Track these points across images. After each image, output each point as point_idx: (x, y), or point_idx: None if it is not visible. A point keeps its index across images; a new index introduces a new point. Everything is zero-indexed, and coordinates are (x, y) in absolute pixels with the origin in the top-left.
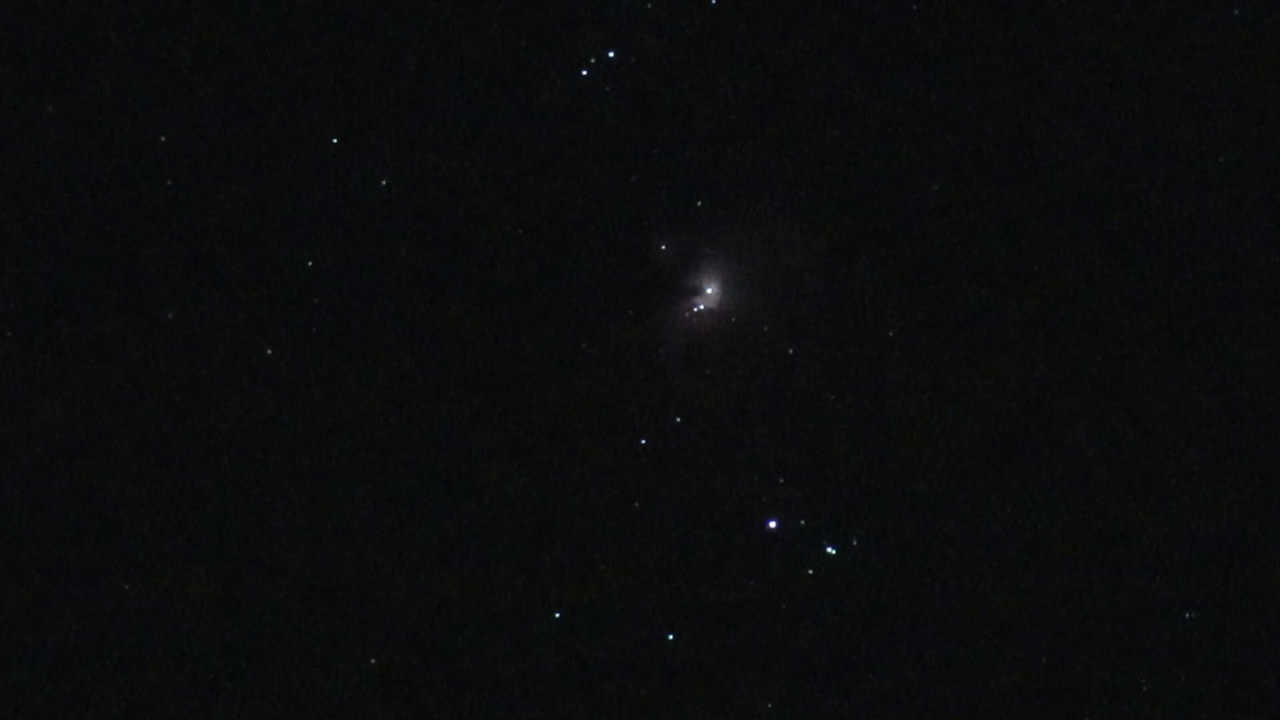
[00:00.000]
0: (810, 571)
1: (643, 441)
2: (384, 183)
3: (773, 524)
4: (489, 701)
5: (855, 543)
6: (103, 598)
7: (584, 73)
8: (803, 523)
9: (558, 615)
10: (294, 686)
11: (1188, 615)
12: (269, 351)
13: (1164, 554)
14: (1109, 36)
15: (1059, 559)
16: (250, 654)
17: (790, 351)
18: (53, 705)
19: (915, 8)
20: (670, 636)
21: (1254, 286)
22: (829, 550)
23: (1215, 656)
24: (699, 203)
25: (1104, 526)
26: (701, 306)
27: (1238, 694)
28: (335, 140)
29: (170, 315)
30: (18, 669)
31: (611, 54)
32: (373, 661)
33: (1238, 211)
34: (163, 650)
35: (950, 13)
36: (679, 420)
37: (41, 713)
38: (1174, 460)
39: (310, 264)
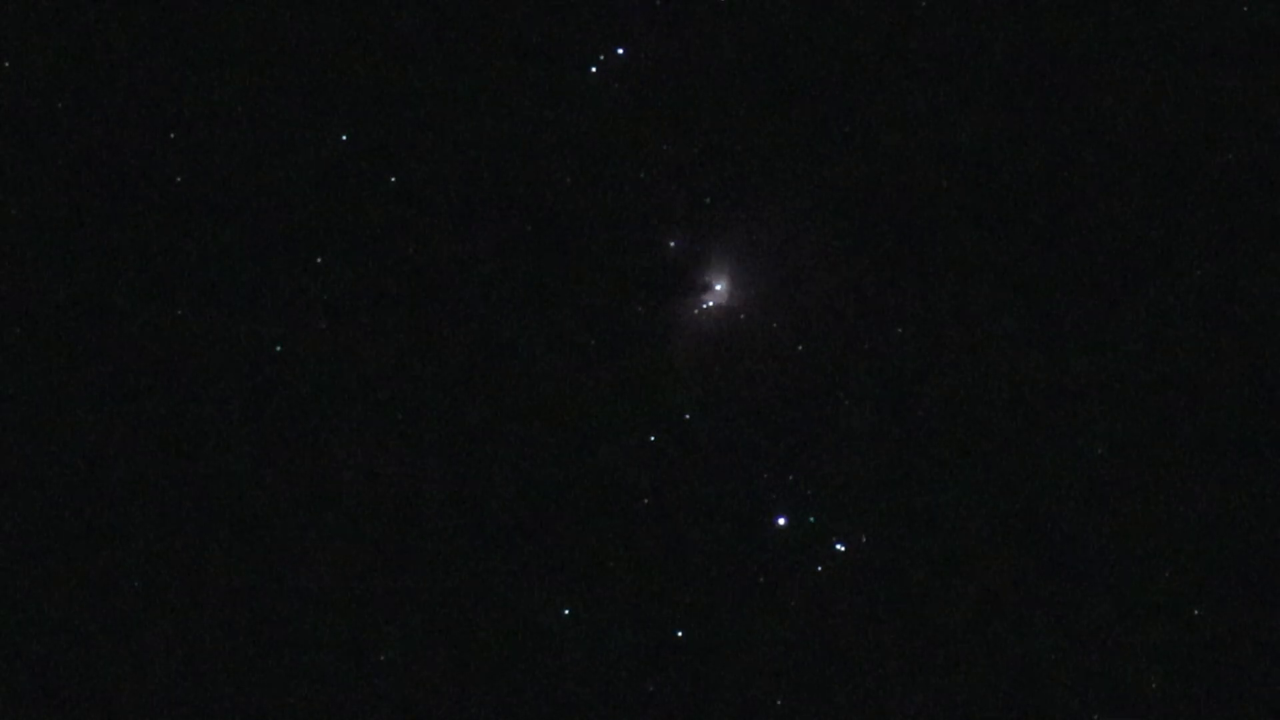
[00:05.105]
0: (820, 569)
1: (652, 438)
2: (393, 179)
3: (782, 521)
4: (497, 699)
5: (865, 540)
6: (108, 597)
7: (593, 70)
8: (812, 520)
9: (566, 612)
10: (300, 684)
11: (1196, 612)
12: (278, 348)
13: (1172, 551)
14: (1114, 35)
15: (1068, 556)
16: (257, 652)
17: (799, 348)
18: (58, 705)
19: (925, 4)
20: (679, 634)
21: (1259, 284)
22: (838, 547)
23: (1222, 654)
24: (708, 199)
25: (1113, 523)
26: (711, 303)
27: (1244, 692)
28: (344, 137)
29: (179, 312)
30: (18, 669)
31: (620, 50)
32: (381, 658)
33: (1242, 212)
34: (170, 648)
35: (960, 10)
36: (688, 417)
37: (47, 713)
38: (1182, 458)
39: (320, 260)
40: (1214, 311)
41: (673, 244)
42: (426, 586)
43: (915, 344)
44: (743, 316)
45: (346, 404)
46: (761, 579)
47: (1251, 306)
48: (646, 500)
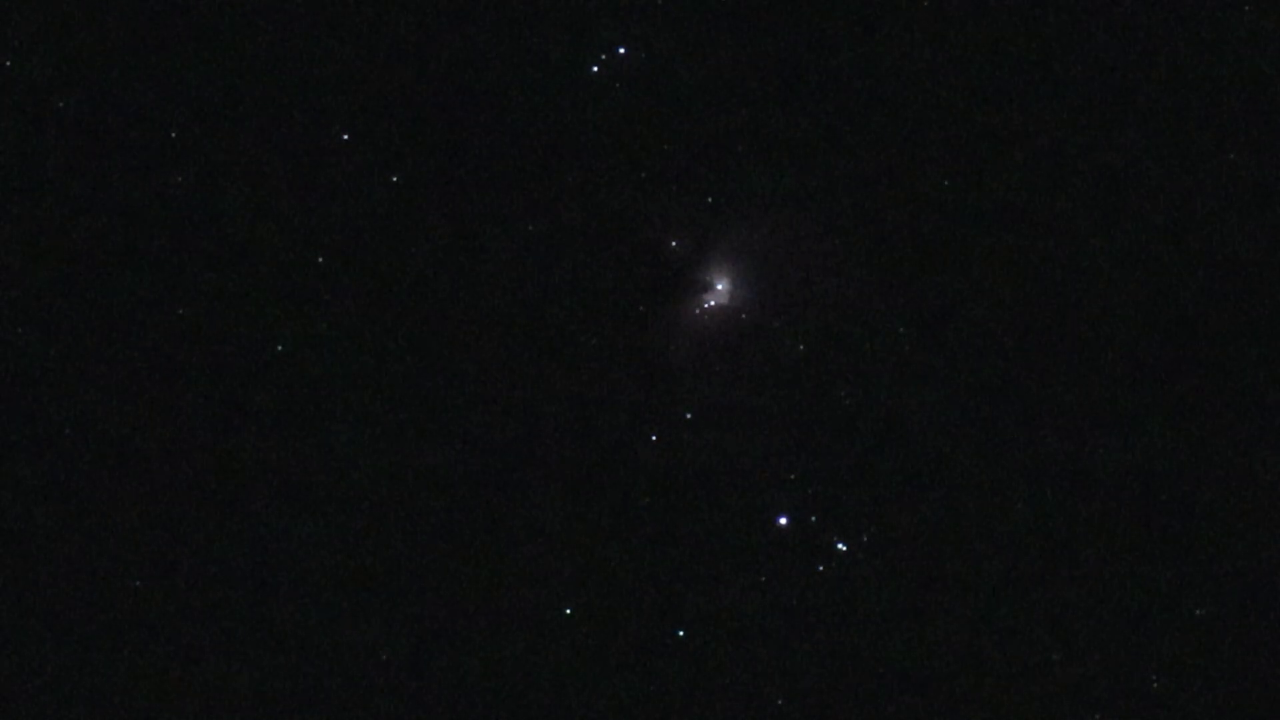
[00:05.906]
0: (821, 568)
1: (653, 438)
2: (394, 179)
3: (783, 520)
4: (498, 698)
5: (866, 539)
6: (110, 596)
7: (594, 69)
8: (813, 519)
9: (568, 611)
10: (303, 683)
11: (1196, 612)
12: (279, 348)
13: (1172, 551)
14: (1116, 35)
15: (1070, 556)
16: (260, 651)
17: (801, 348)
18: (59, 705)
19: (928, 4)
20: (680, 633)
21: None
22: (840, 547)
23: (1222, 654)
24: (710, 199)
25: (1115, 524)
26: (712, 303)
27: (1244, 692)
28: (345, 137)
29: (181, 311)
30: (19, 669)
31: (622, 50)
32: (383, 658)
33: (1244, 212)
34: (173, 648)
35: (961, 10)
36: (689, 417)
37: (50, 711)
38: (1183, 459)
39: (321, 260)
40: (1216, 311)
41: (674, 244)
42: (427, 586)
43: (915, 344)
44: (743, 316)
45: (346, 404)
46: (762, 578)
47: (1255, 306)
48: (646, 500)
